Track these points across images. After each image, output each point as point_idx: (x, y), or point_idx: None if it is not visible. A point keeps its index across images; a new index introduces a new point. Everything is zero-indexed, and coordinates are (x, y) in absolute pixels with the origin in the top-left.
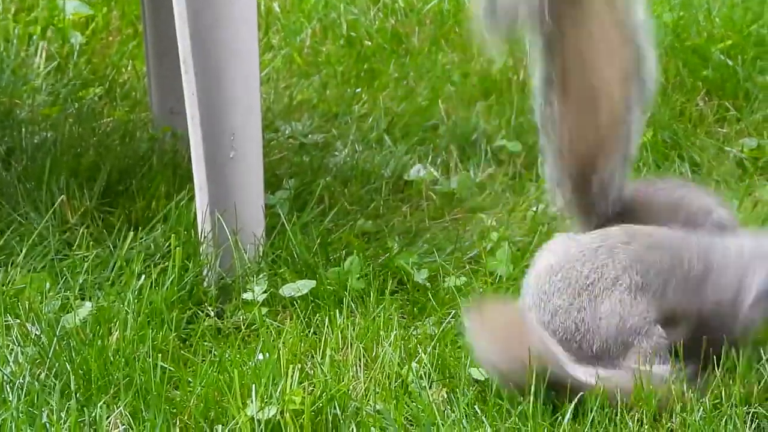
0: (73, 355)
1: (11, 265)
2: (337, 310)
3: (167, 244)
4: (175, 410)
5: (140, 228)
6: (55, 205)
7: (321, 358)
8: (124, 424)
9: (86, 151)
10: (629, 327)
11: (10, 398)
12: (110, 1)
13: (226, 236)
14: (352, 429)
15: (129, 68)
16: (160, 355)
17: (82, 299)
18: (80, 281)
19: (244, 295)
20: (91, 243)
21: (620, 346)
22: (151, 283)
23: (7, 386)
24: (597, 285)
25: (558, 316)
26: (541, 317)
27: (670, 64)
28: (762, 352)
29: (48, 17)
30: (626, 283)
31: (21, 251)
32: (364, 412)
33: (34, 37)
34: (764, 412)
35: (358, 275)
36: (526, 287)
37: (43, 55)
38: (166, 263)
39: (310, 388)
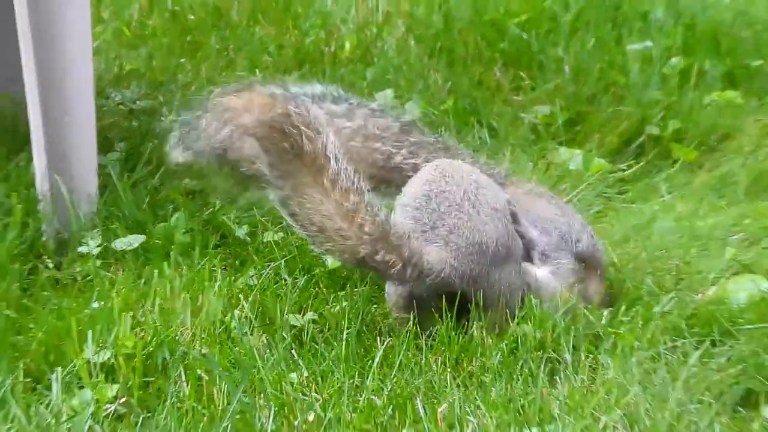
0: None
1: None
2: (165, 263)
3: (8, 202)
4: (18, 354)
5: None
6: None
7: (151, 307)
8: None
9: None
10: None
11: None
12: None
13: (62, 195)
14: (180, 371)
15: None
16: (3, 303)
17: None
18: None
19: (80, 249)
20: None
21: None
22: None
23: None
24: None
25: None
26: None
27: (470, 36)
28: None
29: None
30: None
31: None
32: (191, 356)
33: None
34: (556, 356)
35: (183, 230)
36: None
37: None
38: (8, 219)
39: (141, 334)
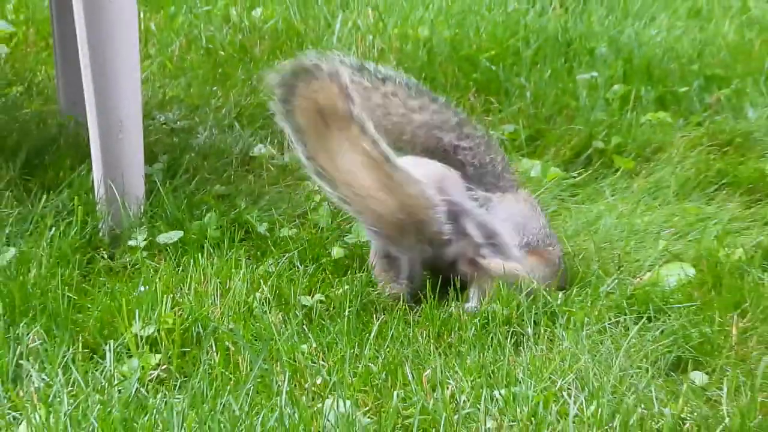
0: (1, 287)
1: None
2: (199, 254)
3: (71, 204)
4: (78, 329)
5: (51, 192)
6: None
7: (187, 290)
8: (39, 339)
9: (10, 134)
10: None
11: None
12: (28, 21)
13: (115, 198)
14: (211, 343)
15: (43, 72)
16: (66, 287)
17: (8, 245)
18: (6, 232)
19: (130, 242)
20: (15, 203)
21: None
22: (60, 233)
23: None
24: None
25: None
26: None
27: (449, 68)
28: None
29: None
30: None
31: None
32: (220, 330)
33: None
34: (521, 330)
35: (215, 227)
36: None
37: None
38: (71, 218)
39: (180, 312)
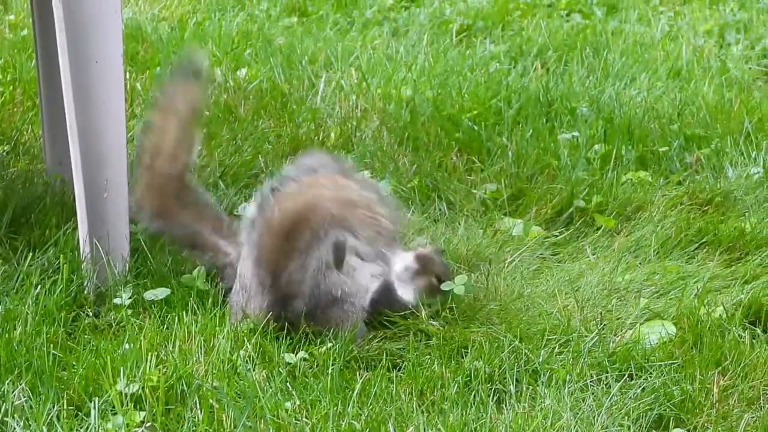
0: None
1: None
2: (184, 312)
3: (57, 262)
4: (63, 387)
5: (37, 250)
6: None
7: (172, 348)
8: (25, 397)
9: None
10: None
11: None
12: (15, 80)
13: (101, 256)
14: (195, 400)
15: (29, 131)
16: (51, 345)
17: None
18: None
19: (115, 300)
20: (0, 261)
21: None
22: (45, 291)
23: None
24: None
25: None
26: None
27: (431, 128)
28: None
29: None
30: None
31: None
32: (204, 388)
33: None
34: (503, 387)
35: (203, 280)
36: None
37: None
38: (57, 276)
39: (164, 370)
